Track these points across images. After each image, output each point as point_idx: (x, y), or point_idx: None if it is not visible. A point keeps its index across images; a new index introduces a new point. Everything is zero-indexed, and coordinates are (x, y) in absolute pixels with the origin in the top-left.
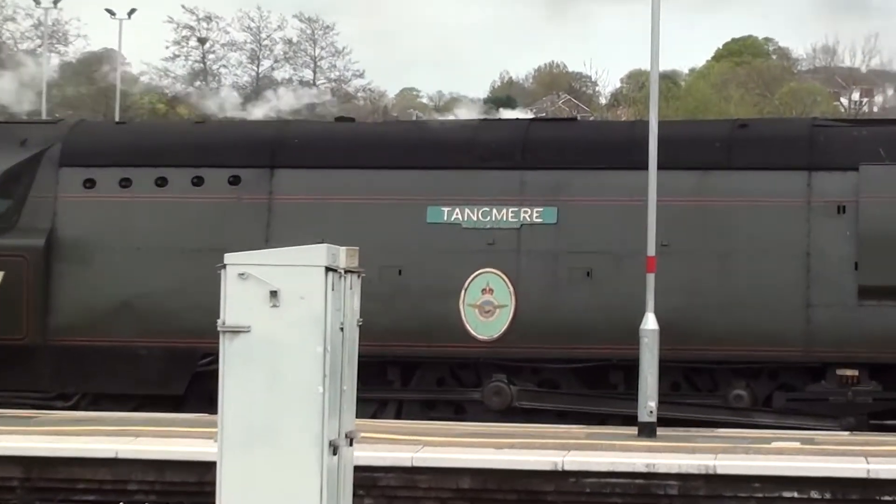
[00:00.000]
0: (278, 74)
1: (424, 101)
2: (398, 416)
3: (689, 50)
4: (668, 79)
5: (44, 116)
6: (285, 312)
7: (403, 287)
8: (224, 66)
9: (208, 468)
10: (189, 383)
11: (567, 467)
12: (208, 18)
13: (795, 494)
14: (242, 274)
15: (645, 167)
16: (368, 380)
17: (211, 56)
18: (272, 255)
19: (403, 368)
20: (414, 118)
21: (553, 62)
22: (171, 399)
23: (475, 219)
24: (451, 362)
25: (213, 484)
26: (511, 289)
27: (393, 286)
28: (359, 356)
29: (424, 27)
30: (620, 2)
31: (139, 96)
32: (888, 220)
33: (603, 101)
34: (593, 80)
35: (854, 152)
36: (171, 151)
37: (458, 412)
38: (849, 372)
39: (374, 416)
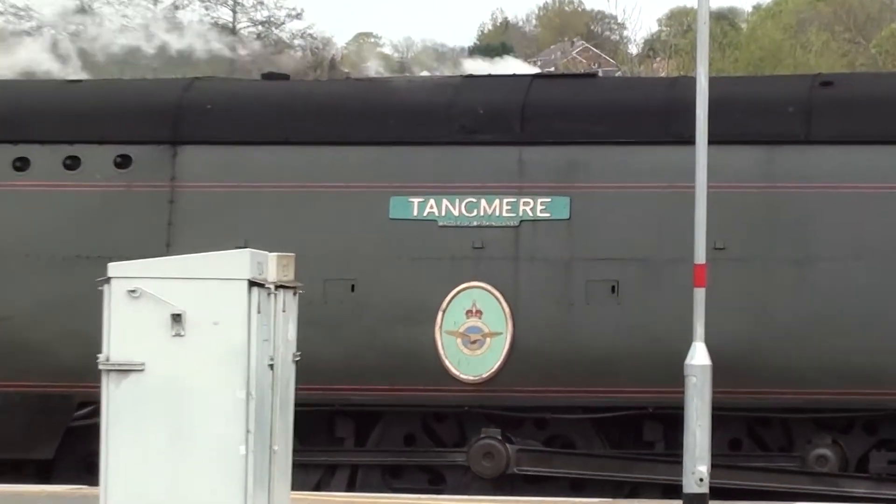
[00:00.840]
0: (184, 15)
1: (387, 50)
2: (351, 487)
3: None
4: (725, 19)
5: None
6: (193, 343)
7: (358, 308)
8: (108, 1)
9: None
10: (60, 443)
11: None
12: None
13: None
14: (134, 291)
15: (691, 142)
16: (310, 437)
17: None
18: (175, 265)
19: (358, 421)
20: (372, 75)
21: None
22: (35, 465)
23: (456, 213)
24: (425, 412)
25: None
26: (507, 310)
27: (343, 307)
28: (296, 404)
29: None
30: None
31: None
32: None
33: (633, 50)
34: (620, 21)
35: None
36: (34, 122)
37: (435, 481)
38: None
39: (317, 488)
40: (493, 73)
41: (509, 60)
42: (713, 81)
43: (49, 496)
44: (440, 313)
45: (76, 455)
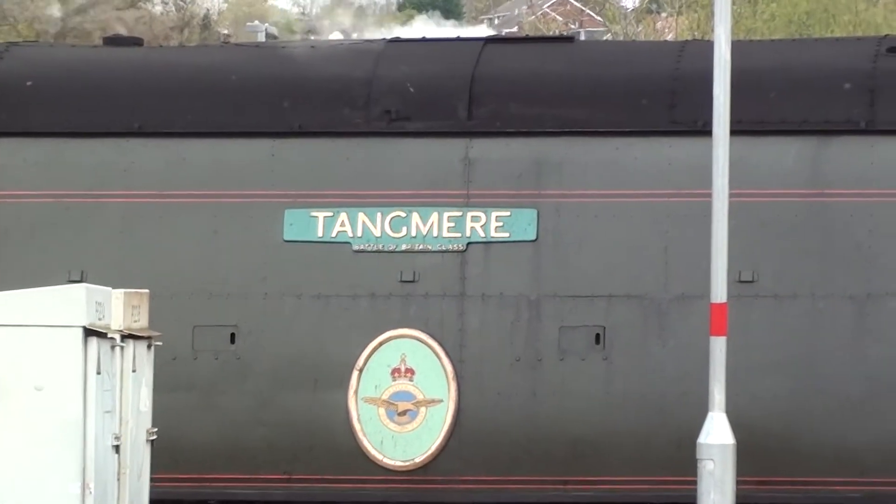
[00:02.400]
0: None
1: (283, 5)
2: None
3: None
4: None
5: None
6: (7, 417)
7: (239, 366)
8: None
9: None
10: None
11: None
12: None
13: None
14: None
15: (707, 132)
16: None
17: None
18: None
19: None
20: (261, 38)
21: None
22: None
23: (377, 233)
24: None
25: None
26: (449, 368)
27: (219, 364)
28: (155, 501)
29: None
30: None
31: None
32: None
33: (628, 2)
34: None
35: None
36: None
37: None
38: None
39: None
40: (430, 35)
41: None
42: (738, 47)
43: None
44: (355, 373)
45: None
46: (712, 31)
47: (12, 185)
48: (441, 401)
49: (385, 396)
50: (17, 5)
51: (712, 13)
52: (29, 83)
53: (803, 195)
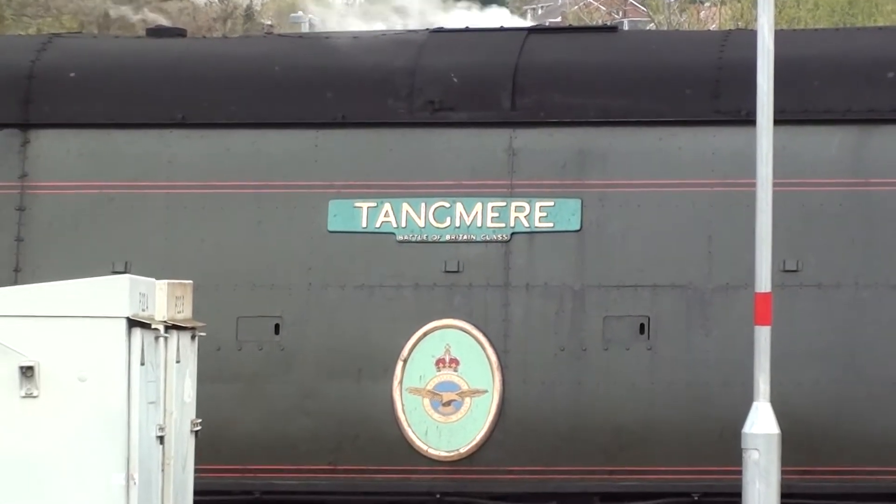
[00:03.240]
0: None
1: None
2: None
3: None
4: None
5: None
6: (51, 408)
7: (284, 357)
8: None
9: None
10: None
11: None
12: None
13: None
14: None
15: (751, 121)
16: None
17: None
18: (26, 298)
19: None
20: (304, 30)
21: None
22: None
23: (422, 223)
24: (380, 501)
25: None
26: (494, 359)
27: (263, 355)
28: (199, 492)
29: None
30: None
31: None
32: None
33: None
34: None
35: None
36: None
37: None
38: None
39: None
40: (473, 25)
41: (495, 10)
42: (782, 36)
43: None
44: (400, 364)
45: None
46: (755, 20)
47: (56, 177)
48: (485, 391)
49: (429, 387)
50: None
51: (755, 2)
52: (72, 74)
53: (847, 184)
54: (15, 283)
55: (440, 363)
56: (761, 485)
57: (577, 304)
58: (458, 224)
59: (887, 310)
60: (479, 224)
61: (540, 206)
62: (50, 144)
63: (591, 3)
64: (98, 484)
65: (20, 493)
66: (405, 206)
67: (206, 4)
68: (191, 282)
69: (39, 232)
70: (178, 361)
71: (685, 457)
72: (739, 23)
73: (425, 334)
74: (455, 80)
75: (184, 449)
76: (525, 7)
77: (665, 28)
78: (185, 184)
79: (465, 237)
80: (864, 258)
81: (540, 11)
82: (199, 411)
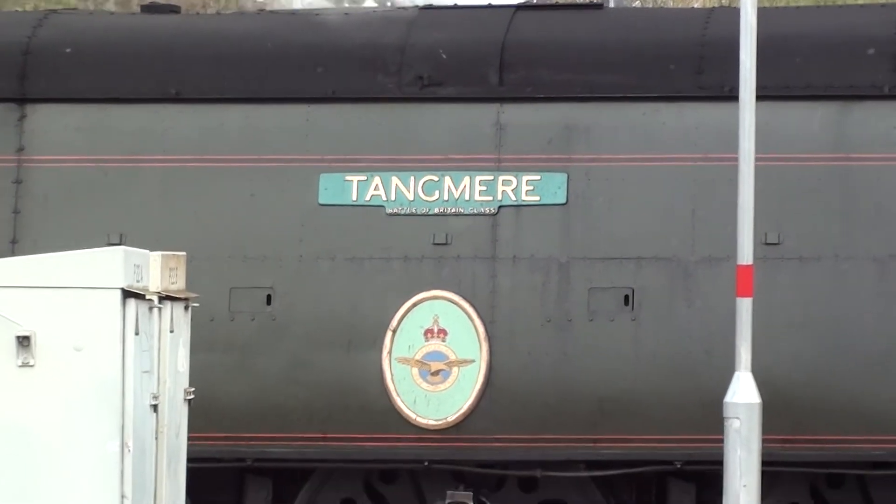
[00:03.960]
0: None
1: None
2: None
3: None
4: None
5: None
6: (46, 377)
7: (275, 327)
8: None
9: None
10: None
11: None
12: None
13: None
14: None
15: (734, 97)
16: (212, 503)
17: None
18: (20, 269)
19: (278, 481)
20: (296, 6)
21: None
22: None
23: (411, 196)
24: (369, 469)
25: None
26: (481, 329)
27: (255, 325)
28: (192, 459)
29: None
30: None
31: None
32: None
33: None
34: None
35: None
36: None
37: None
38: None
39: None
40: (462, 1)
41: None
42: (764, 14)
43: None
44: (389, 334)
45: None
46: None
47: (52, 150)
48: (473, 361)
49: (418, 357)
50: None
51: None
52: (68, 50)
53: (828, 159)
54: (12, 254)
55: (428, 333)
56: (742, 452)
57: (563, 276)
58: (446, 197)
59: (866, 282)
60: (466, 197)
61: (527, 180)
62: (46, 119)
63: None
64: (93, 451)
65: (16, 460)
66: (394, 180)
67: None
68: (184, 253)
69: (36, 204)
70: (171, 331)
71: (668, 425)
72: (723, 1)
73: (414, 305)
74: (444, 55)
75: (177, 417)
76: None
77: (650, 5)
78: (179, 157)
79: (453, 210)
80: (844, 231)
81: None
82: (193, 380)
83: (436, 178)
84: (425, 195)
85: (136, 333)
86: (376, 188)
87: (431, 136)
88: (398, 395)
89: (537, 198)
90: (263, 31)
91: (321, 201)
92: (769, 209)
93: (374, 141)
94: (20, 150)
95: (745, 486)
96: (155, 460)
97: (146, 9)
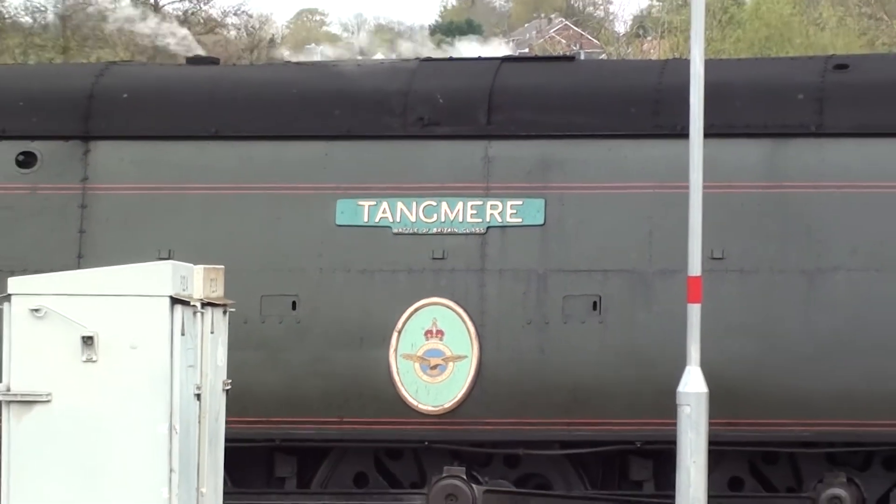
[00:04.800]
0: None
1: (334, 30)
2: None
3: None
4: None
5: None
6: (107, 370)
7: (299, 328)
8: None
9: None
10: None
11: None
12: None
13: None
14: (38, 310)
15: (685, 134)
16: (246, 477)
17: None
18: (86, 280)
19: (301, 459)
20: (316, 59)
21: None
22: None
23: (413, 219)
24: (378, 447)
25: None
26: (472, 330)
27: (282, 327)
28: (228, 439)
29: None
30: None
31: None
32: None
33: (620, 28)
34: None
35: None
36: None
37: None
38: None
39: None
40: (456, 55)
41: (474, 42)
42: (710, 65)
43: None
44: (395, 334)
45: None
46: (689, 51)
47: (111, 180)
48: (465, 357)
49: (419, 353)
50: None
51: (689, 37)
52: (125, 95)
53: (764, 187)
54: (78, 267)
55: (428, 334)
56: (692, 434)
57: (541, 285)
58: (443, 219)
59: (796, 291)
60: (460, 219)
61: (510, 205)
62: (107, 153)
63: (553, 37)
64: (146, 432)
65: (83, 440)
66: (400, 205)
67: (236, 38)
68: (222, 266)
69: (98, 225)
70: (212, 332)
71: (630, 411)
72: (676, 54)
73: (416, 310)
74: (441, 100)
75: (217, 404)
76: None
77: (614, 58)
78: (218, 185)
79: (448, 230)
80: (778, 248)
81: (511, 43)
82: (230, 373)
83: (434, 203)
84: (425, 217)
85: (182, 334)
86: (384, 211)
87: (430, 168)
88: (403, 385)
89: (520, 220)
90: (289, 79)
91: (338, 222)
92: (715, 229)
93: (383, 172)
94: (85, 179)
95: (694, 462)
96: (198, 440)
97: (191, 61)
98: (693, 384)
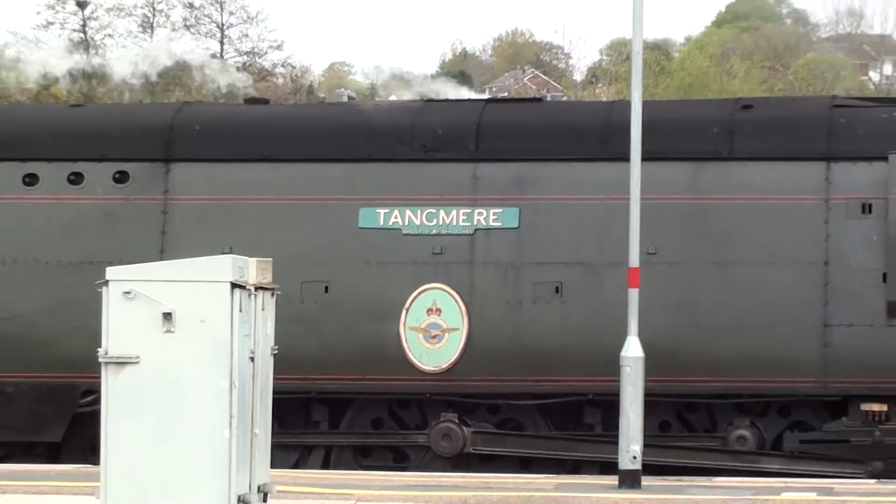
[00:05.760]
0: (177, 46)
1: (358, 78)
2: (325, 466)
3: (687, 14)
4: (659, 50)
5: None
6: (182, 339)
7: (330, 307)
8: (110, 35)
9: None
10: (67, 428)
11: None
12: None
13: None
14: (129, 292)
15: (626, 158)
16: (288, 421)
17: (93, 24)
18: (166, 269)
19: (332, 407)
20: (345, 99)
21: (517, 30)
22: (45, 447)
23: (418, 223)
24: (391, 399)
25: None
26: (463, 308)
27: (317, 306)
28: (275, 392)
29: None
30: None
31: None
32: None
33: (578, 76)
34: (566, 51)
35: (883, 139)
36: (42, 142)
37: (400, 460)
38: (876, 407)
39: (295, 466)
40: (449, 98)
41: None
42: (646, 105)
43: (58, 474)
44: (404, 311)
45: (82, 438)
46: (630, 95)
47: (187, 192)
48: (458, 329)
49: (423, 326)
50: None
51: (630, 84)
52: (197, 128)
53: (688, 198)
54: (160, 259)
55: (429, 311)
56: (632, 389)
57: (516, 274)
58: (441, 223)
59: (711, 279)
60: (454, 223)
61: (493, 212)
62: (183, 172)
63: (526, 83)
64: (212, 388)
65: (164, 394)
66: (408, 212)
67: (283, 83)
68: (271, 259)
69: (176, 227)
70: (263, 310)
71: (585, 370)
72: (620, 96)
73: (420, 293)
74: (440, 132)
75: (266, 365)
76: (484, 86)
77: (573, 99)
78: (267, 197)
79: (445, 232)
80: (697, 245)
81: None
82: (277, 340)
83: (434, 211)
84: (427, 222)
85: (240, 311)
86: (396, 217)
87: (431, 184)
88: (410, 351)
89: (500, 224)
90: (323, 115)
91: (360, 226)
92: (650, 231)
93: (395, 187)
94: (166, 192)
95: (633, 410)
96: (252, 393)
97: (247, 101)
98: (632, 350)
